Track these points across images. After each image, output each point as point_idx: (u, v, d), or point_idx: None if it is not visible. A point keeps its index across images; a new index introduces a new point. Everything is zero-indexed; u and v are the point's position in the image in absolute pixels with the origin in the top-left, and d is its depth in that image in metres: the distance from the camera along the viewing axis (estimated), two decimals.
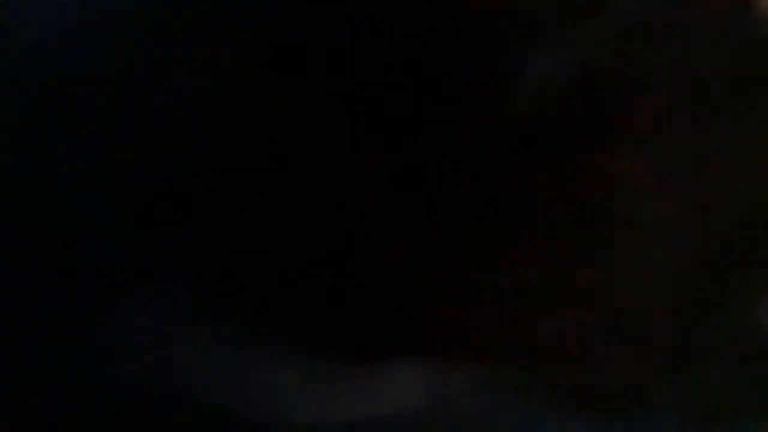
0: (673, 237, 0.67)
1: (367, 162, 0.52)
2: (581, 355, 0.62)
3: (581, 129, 0.59)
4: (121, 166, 0.55)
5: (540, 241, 0.58)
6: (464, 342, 0.57)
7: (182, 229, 0.55)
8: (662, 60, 0.68)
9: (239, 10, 0.56)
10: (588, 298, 0.60)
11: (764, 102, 0.74)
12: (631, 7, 0.61)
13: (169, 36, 0.56)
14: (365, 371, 0.53)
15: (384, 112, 0.53)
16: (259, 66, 0.55)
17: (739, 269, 0.71)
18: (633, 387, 0.64)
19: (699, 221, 0.69)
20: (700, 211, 0.69)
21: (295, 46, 0.54)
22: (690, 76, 0.71)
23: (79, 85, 0.57)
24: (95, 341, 0.53)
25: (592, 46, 0.60)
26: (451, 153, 0.54)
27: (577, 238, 0.59)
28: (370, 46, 0.53)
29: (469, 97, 0.54)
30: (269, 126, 0.55)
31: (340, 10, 0.54)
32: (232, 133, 0.54)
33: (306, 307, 0.52)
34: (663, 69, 0.68)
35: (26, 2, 0.60)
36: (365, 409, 0.53)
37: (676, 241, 0.67)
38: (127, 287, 0.52)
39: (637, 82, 0.64)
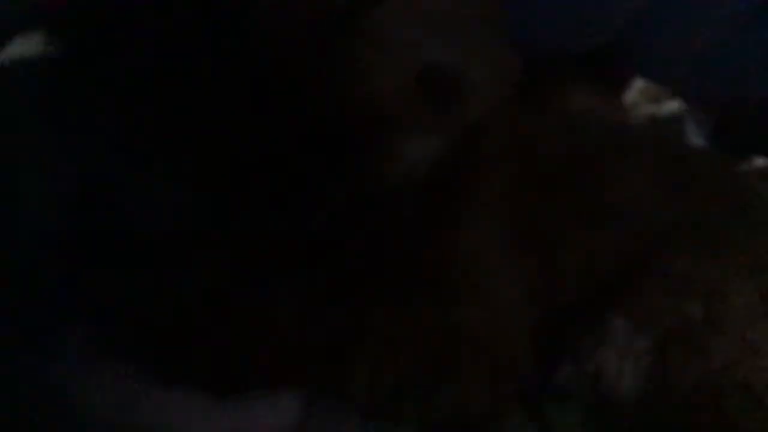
0: (518, 294, 0.77)
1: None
2: (438, 388, 0.72)
3: (436, 205, 0.69)
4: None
5: (395, 295, 0.68)
6: (333, 376, 0.67)
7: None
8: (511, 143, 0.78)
9: None
10: (436, 341, 0.70)
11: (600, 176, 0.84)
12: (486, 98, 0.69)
13: None
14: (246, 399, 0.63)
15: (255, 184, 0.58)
16: None
17: (582, 323, 0.81)
18: (484, 416, 0.73)
19: (543, 281, 0.79)
20: (544, 272, 0.79)
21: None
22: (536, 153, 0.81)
23: None
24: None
25: (452, 133, 0.68)
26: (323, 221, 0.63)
27: (426, 294, 0.69)
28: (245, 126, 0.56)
29: (338, 177, 0.61)
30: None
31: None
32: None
33: (194, 349, 0.62)
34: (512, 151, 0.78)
35: None
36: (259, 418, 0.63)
37: (520, 298, 0.76)
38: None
39: (488, 163, 0.74)
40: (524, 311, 0.79)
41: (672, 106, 1.22)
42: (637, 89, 1.24)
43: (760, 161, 1.04)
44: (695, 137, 1.14)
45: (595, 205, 0.85)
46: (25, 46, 0.65)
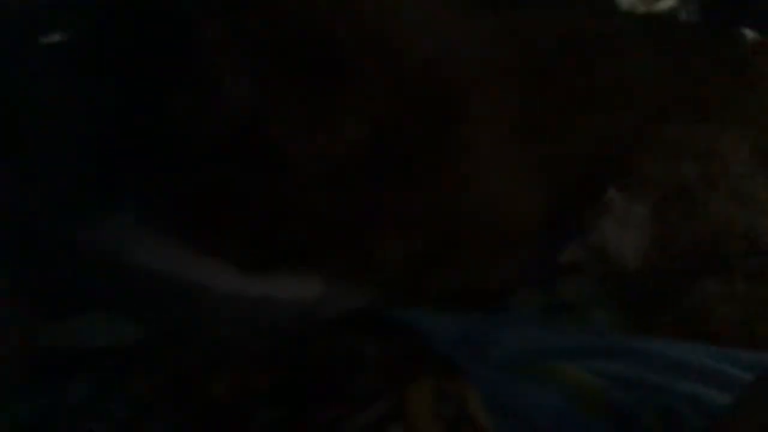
0: (526, 178, 0.80)
1: None
2: (454, 263, 0.75)
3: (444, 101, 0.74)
4: None
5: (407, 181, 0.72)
6: (355, 255, 0.71)
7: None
8: None
9: None
10: (445, 220, 0.74)
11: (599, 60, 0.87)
12: None
13: None
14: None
15: None
16: None
17: (586, 200, 0.83)
18: (499, 289, 0.77)
19: (550, 164, 0.82)
20: (551, 156, 0.82)
21: None
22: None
23: None
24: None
25: None
26: None
27: (436, 179, 0.74)
28: None
29: None
30: None
31: None
32: None
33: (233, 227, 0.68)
34: None
35: None
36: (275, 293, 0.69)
37: (527, 181, 0.80)
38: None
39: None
40: (532, 193, 0.82)
41: (667, 2, 1.23)
42: None
43: (749, 34, 1.04)
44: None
45: (594, 88, 0.88)
46: None
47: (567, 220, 0.83)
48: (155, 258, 0.67)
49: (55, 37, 0.75)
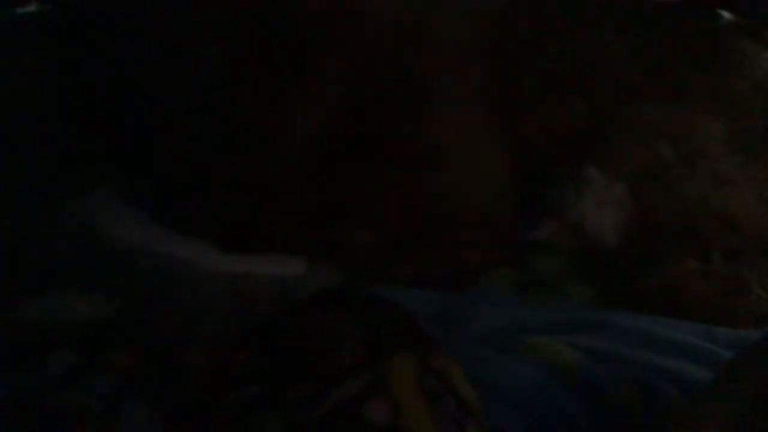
0: (500, 160, 0.81)
1: None
2: (426, 247, 0.76)
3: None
4: None
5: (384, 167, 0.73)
6: (327, 240, 0.72)
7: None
8: None
9: None
10: (421, 204, 0.74)
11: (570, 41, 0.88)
12: None
13: None
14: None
15: None
16: None
17: (562, 178, 0.84)
18: (475, 269, 0.77)
19: (523, 145, 0.83)
20: (524, 137, 0.83)
21: None
22: None
23: None
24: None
25: None
26: None
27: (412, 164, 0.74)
28: None
29: None
30: None
31: None
32: None
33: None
34: None
35: None
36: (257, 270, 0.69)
37: (502, 163, 0.81)
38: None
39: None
40: (506, 174, 0.82)
41: None
42: None
43: (726, 15, 1.05)
44: None
45: (565, 69, 0.88)
46: None
47: (540, 198, 0.84)
48: (135, 234, 0.67)
49: (31, 7, 0.74)
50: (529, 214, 0.83)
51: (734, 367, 0.51)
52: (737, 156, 0.85)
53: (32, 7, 0.75)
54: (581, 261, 0.81)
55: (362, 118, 0.72)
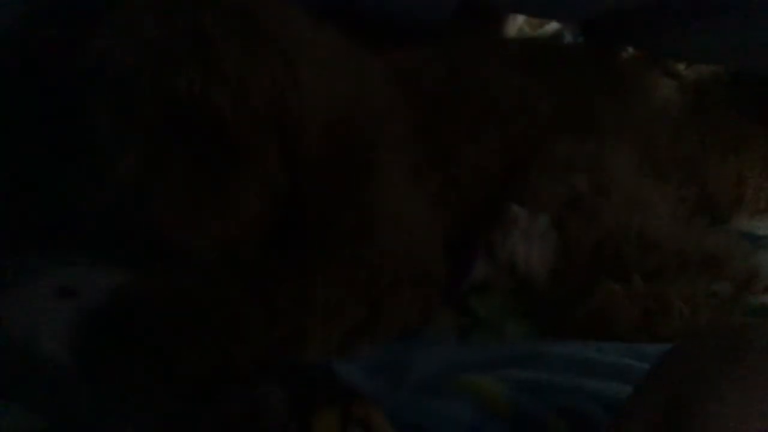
0: (429, 212, 0.83)
1: None
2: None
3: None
4: None
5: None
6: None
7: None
8: None
9: None
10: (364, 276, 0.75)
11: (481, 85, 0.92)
12: None
13: None
14: None
15: None
16: None
17: (490, 219, 0.87)
18: (417, 323, 0.79)
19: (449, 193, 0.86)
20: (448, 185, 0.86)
21: None
22: None
23: None
24: None
25: None
26: None
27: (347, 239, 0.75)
28: None
29: None
30: None
31: None
32: None
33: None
34: None
35: None
36: None
37: (430, 215, 0.83)
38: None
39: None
40: (436, 225, 0.85)
41: (552, 26, 1.29)
42: (522, 18, 1.30)
43: (630, 50, 1.11)
44: None
45: (479, 113, 0.92)
46: None
47: (472, 240, 0.87)
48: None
49: None
50: (463, 258, 0.86)
51: (646, 381, 0.54)
52: (649, 179, 0.90)
53: None
54: (517, 298, 0.84)
55: (295, 209, 0.73)
